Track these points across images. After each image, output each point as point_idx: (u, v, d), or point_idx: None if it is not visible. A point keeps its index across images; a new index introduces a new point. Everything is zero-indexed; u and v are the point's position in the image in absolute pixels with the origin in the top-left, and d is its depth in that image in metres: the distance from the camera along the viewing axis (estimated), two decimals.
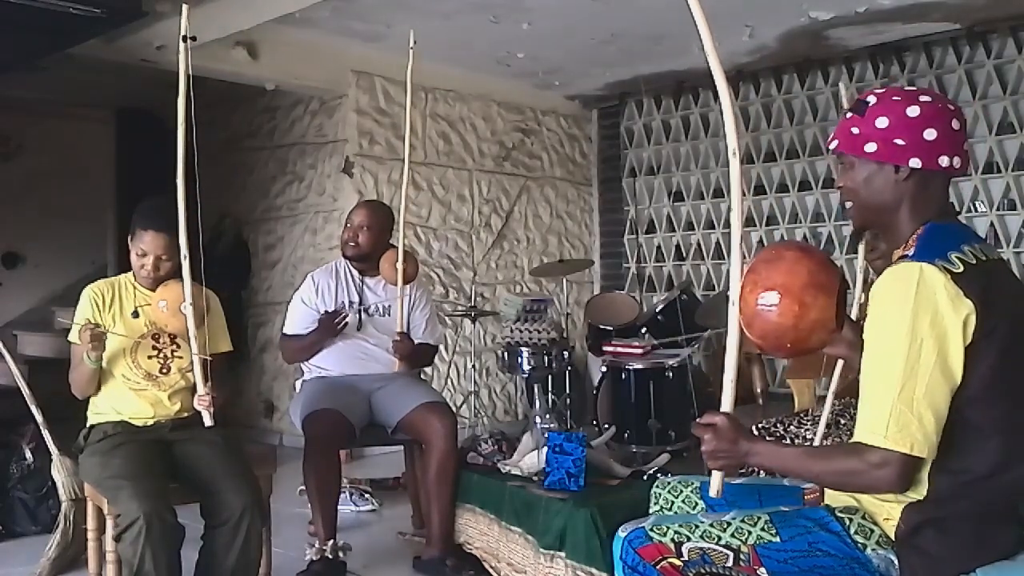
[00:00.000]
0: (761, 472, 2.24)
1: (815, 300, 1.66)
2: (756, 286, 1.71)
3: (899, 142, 1.64)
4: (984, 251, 1.63)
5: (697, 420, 1.75)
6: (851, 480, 1.60)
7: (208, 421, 2.68)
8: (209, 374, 2.67)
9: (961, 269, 1.55)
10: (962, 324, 1.52)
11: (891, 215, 1.70)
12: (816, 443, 2.81)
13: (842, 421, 2.94)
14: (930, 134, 1.63)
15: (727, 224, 6.91)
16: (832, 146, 1.75)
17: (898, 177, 1.66)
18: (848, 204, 1.77)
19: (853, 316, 2.34)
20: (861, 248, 2.48)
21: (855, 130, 1.69)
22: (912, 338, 1.52)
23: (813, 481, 1.73)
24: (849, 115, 1.72)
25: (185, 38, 2.59)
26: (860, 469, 1.55)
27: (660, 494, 2.05)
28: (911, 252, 1.62)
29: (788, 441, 2.98)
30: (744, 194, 6.93)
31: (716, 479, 1.77)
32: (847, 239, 5.74)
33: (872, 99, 1.69)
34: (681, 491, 2.02)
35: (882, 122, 1.66)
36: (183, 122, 2.58)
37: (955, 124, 1.65)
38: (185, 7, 2.60)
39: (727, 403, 1.77)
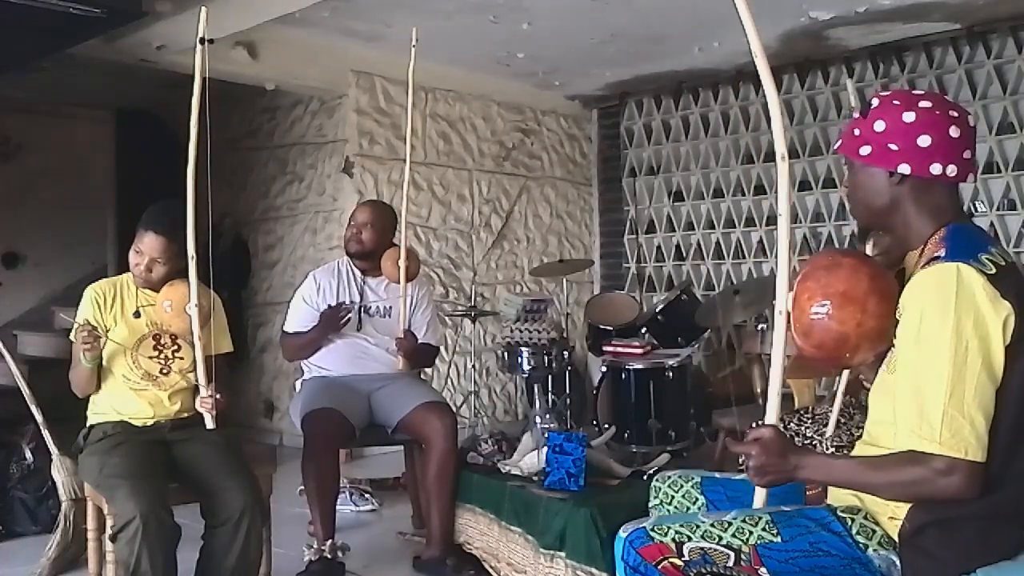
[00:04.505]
0: None
1: (877, 307, 1.63)
2: (815, 294, 1.67)
3: (892, 147, 1.64)
4: (1003, 255, 1.61)
5: (745, 436, 1.68)
6: (916, 490, 1.55)
7: (210, 424, 2.67)
8: (213, 375, 2.66)
9: (993, 271, 1.54)
10: (1002, 325, 1.51)
11: (890, 217, 1.70)
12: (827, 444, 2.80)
13: (842, 420, 2.93)
14: (924, 141, 1.62)
15: (727, 224, 6.94)
16: (835, 146, 1.75)
17: (891, 181, 1.66)
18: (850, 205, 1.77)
19: None
20: (869, 247, 2.46)
21: (856, 132, 1.70)
22: (958, 340, 1.50)
23: (871, 493, 1.66)
24: (856, 116, 1.73)
25: (203, 40, 2.59)
26: (927, 477, 1.51)
27: (660, 488, 2.05)
28: (942, 253, 1.58)
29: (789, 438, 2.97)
30: (744, 193, 6.82)
31: (760, 495, 1.74)
32: (847, 239, 5.74)
33: (875, 102, 1.69)
34: (681, 486, 2.01)
35: (879, 126, 1.66)
36: (196, 124, 2.56)
37: (954, 131, 1.63)
38: (204, 9, 2.58)
39: (772, 415, 1.73)
